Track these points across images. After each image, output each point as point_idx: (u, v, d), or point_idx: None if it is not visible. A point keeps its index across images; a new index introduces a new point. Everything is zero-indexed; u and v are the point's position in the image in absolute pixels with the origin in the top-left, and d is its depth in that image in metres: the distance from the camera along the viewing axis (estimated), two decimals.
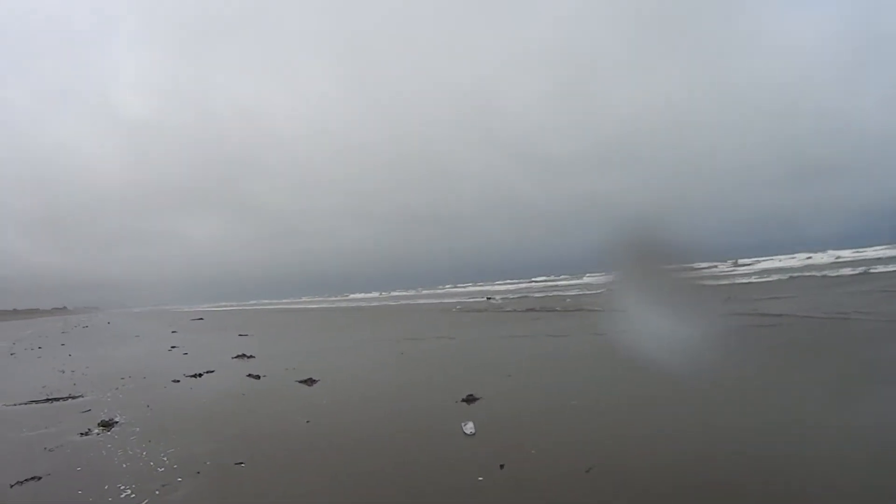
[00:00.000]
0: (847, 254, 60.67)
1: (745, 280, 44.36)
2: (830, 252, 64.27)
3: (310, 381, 13.59)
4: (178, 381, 15.22)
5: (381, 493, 6.75)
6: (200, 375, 15.94)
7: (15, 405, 13.24)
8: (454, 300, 60.10)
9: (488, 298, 54.82)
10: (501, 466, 7.13)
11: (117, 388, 14.58)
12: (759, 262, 66.82)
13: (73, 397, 13.75)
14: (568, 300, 40.63)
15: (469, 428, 8.78)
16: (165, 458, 8.31)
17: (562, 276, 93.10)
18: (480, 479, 6.85)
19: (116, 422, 10.72)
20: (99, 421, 10.67)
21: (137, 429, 10.19)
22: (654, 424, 8.66)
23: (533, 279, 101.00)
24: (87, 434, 10.03)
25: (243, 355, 19.74)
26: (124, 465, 8.17)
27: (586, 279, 79.94)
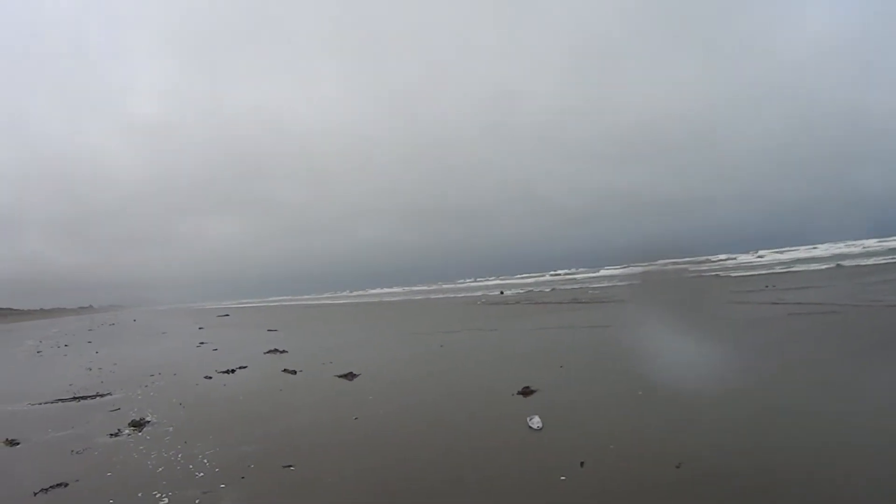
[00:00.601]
0: (870, 243, 59.41)
1: (776, 270, 43.25)
2: (852, 243, 63.01)
3: (350, 376, 12.77)
4: (210, 377, 14.45)
5: (460, 500, 5.90)
6: (233, 371, 15.16)
7: (41, 404, 12.54)
8: (477, 294, 59.33)
9: (501, 292, 54.43)
10: (581, 464, 6.34)
11: (146, 386, 13.85)
12: (783, 251, 65.26)
13: (101, 395, 13.03)
14: (590, 292, 39.77)
15: (536, 423, 7.95)
16: (205, 461, 7.52)
17: (580, 270, 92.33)
18: (563, 478, 6.04)
19: (148, 421, 9.96)
20: (129, 421, 9.91)
21: (171, 428, 9.41)
22: (732, 414, 7.78)
23: (553, 272, 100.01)
24: (116, 435, 9.27)
25: (276, 350, 18.99)
26: (159, 470, 7.37)
27: (603, 272, 79.23)
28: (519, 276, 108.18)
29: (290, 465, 7.07)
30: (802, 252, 61.89)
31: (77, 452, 8.41)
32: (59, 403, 12.49)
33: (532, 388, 9.92)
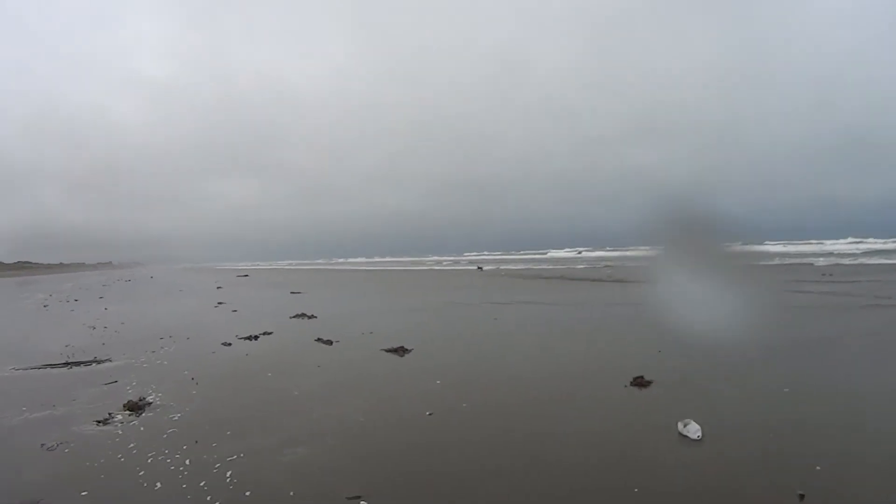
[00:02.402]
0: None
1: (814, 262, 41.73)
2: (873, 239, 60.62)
3: (400, 351, 10.39)
4: (230, 343, 12.09)
5: None
6: (256, 338, 12.77)
7: (26, 370, 10.26)
8: (503, 266, 57.42)
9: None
10: (801, 496, 4.40)
11: (154, 352, 11.51)
12: (807, 244, 62.41)
13: (99, 362, 10.71)
14: (621, 269, 38.01)
15: (693, 431, 5.73)
16: (226, 475, 5.14)
17: (603, 248, 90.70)
18: None
19: (149, 402, 7.58)
20: (125, 401, 7.51)
21: (177, 416, 7.01)
22: None
23: (572, 249, 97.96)
24: (105, 422, 6.89)
25: (303, 315, 16.63)
26: (157, 486, 4.97)
27: (607, 252, 77.42)
28: (538, 251, 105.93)
29: (358, 497, 4.62)
30: (815, 246, 59.18)
31: (48, 449, 6.04)
32: (48, 370, 10.20)
33: (647, 379, 7.80)
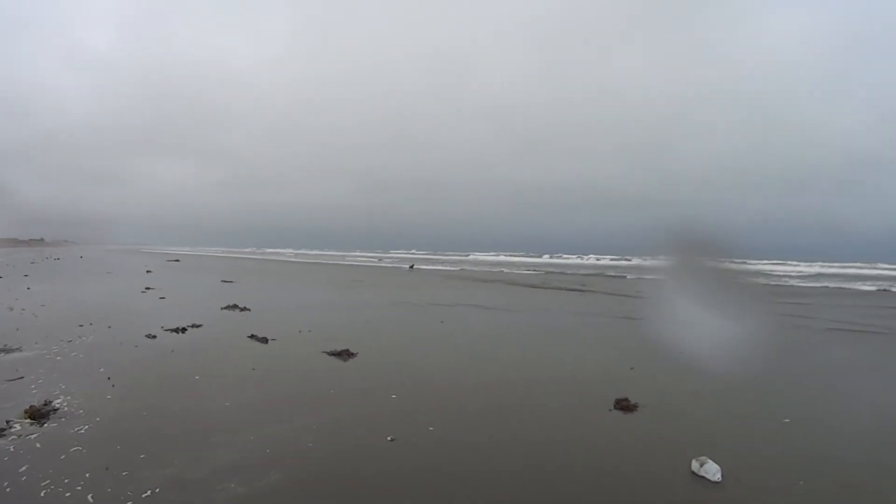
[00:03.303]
0: (808, 268, 58.44)
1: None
2: (796, 263, 61.80)
3: (345, 355, 9.20)
4: (155, 336, 10.70)
5: None
6: (184, 330, 11.39)
7: None
8: (437, 266, 56.59)
9: (411, 267, 51.18)
10: None
11: (70, 341, 10.08)
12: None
13: (6, 351, 9.23)
14: (572, 277, 37.47)
15: (712, 472, 4.80)
16: None
17: (533, 254, 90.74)
18: None
19: (55, 409, 6.25)
20: (27, 406, 6.16)
21: (85, 428, 5.72)
22: None
23: (510, 253, 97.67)
24: (1, 433, 5.54)
25: (235, 306, 15.25)
26: None
27: (542, 259, 77.54)
28: (474, 253, 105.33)
29: None
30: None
31: None
32: None
33: (632, 402, 6.84)
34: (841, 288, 29.53)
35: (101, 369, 8.05)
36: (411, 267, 50.31)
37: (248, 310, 14.75)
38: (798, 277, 39.28)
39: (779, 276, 39.66)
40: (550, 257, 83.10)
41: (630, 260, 71.82)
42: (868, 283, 33.87)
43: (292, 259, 75.72)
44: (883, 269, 49.27)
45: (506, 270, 45.77)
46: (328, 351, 9.37)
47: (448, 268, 50.11)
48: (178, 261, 54.91)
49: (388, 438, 5.50)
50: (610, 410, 6.62)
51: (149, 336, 10.64)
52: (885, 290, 28.63)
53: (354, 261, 69.62)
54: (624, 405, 6.71)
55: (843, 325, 14.75)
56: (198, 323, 12.11)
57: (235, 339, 10.54)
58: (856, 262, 58.14)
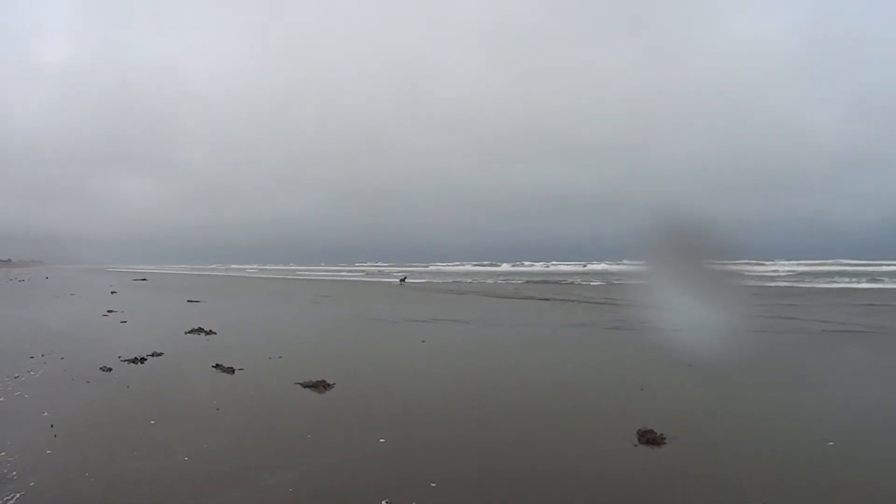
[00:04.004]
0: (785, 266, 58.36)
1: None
2: (775, 261, 61.73)
3: (321, 386, 8.05)
4: (110, 369, 9.44)
5: None
6: (143, 360, 10.16)
7: None
8: (409, 279, 55.34)
9: (402, 280, 48.02)
10: None
11: (17, 377, 8.78)
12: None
13: None
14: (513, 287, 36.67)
15: None
16: None
17: (498, 263, 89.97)
18: None
19: None
20: None
21: (14, 497, 4.54)
22: None
23: (476, 263, 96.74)
24: None
25: (200, 329, 13.95)
26: None
27: (504, 267, 76.79)
28: (440, 263, 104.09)
29: None
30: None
31: None
32: None
33: (658, 433, 5.79)
34: (828, 288, 29.06)
35: (45, 413, 6.83)
36: (402, 280, 47.08)
37: (214, 333, 13.51)
38: (785, 277, 38.93)
39: (765, 276, 39.33)
40: (512, 265, 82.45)
41: (585, 266, 71.77)
42: (851, 279, 33.66)
43: (258, 275, 73.76)
44: (865, 266, 48.99)
45: (489, 281, 44.89)
46: (302, 382, 8.17)
47: (437, 280, 48.97)
48: (145, 279, 52.96)
49: (384, 503, 4.43)
50: (636, 445, 5.61)
51: (104, 369, 9.39)
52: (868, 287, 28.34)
53: (321, 275, 68.16)
54: (650, 438, 5.71)
55: (845, 326, 14.35)
56: (159, 351, 10.86)
57: (199, 370, 9.35)
58: (838, 259, 58.26)
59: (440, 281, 46.42)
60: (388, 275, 62.47)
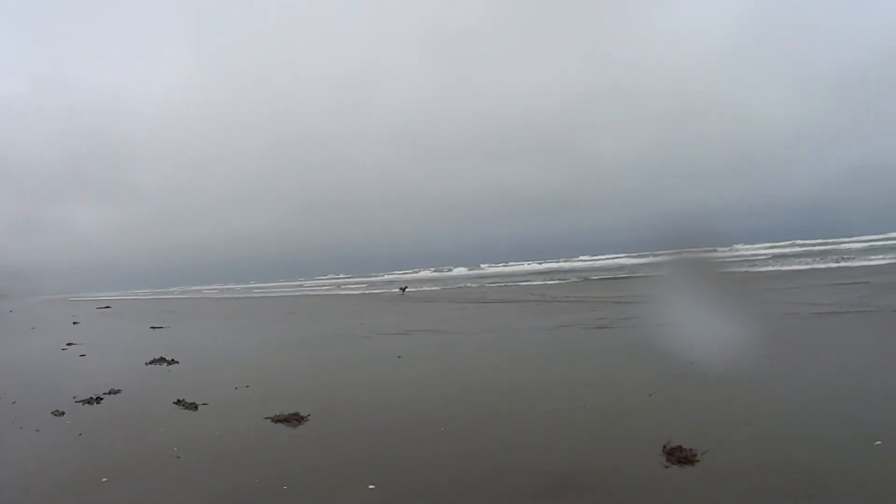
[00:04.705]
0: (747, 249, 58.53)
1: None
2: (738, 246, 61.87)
3: (294, 420, 7.06)
4: (63, 412, 8.36)
5: None
6: (99, 400, 9.08)
7: None
8: (376, 289, 54.34)
9: (401, 289, 43.34)
10: None
11: None
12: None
13: None
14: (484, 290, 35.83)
15: None
16: None
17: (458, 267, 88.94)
18: None
19: None
20: None
21: None
22: None
23: (436, 268, 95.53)
24: None
25: (162, 359, 12.83)
26: None
27: (483, 269, 76.06)
28: (398, 271, 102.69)
29: None
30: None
31: None
32: None
33: (687, 448, 4.95)
34: (798, 270, 28.65)
35: None
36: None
37: (176, 362, 12.41)
38: (762, 261, 38.60)
39: (740, 261, 38.99)
40: (469, 269, 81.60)
41: (541, 264, 71.36)
42: (816, 259, 33.41)
43: (219, 296, 71.61)
44: (824, 245, 48.72)
45: (459, 286, 43.96)
46: (272, 416, 7.18)
47: (429, 288, 47.74)
48: (108, 307, 50.93)
49: None
50: (667, 468, 4.79)
51: (56, 413, 8.29)
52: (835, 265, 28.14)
53: (283, 291, 66.57)
54: (681, 457, 4.87)
55: (833, 307, 13.74)
56: (116, 388, 9.75)
57: (159, 407, 8.31)
58: (794, 239, 58.25)
59: (428, 289, 45.30)
60: (348, 286, 61.37)
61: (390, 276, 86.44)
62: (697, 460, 4.82)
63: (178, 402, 8.42)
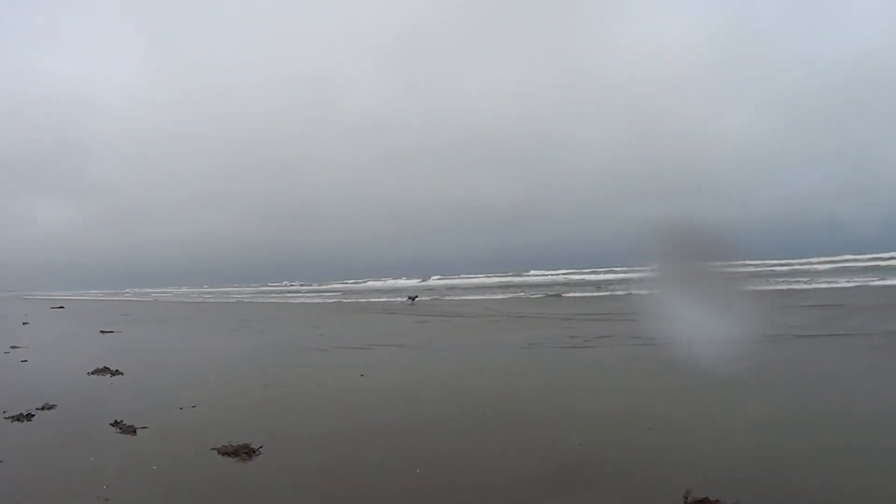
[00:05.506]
0: None
1: None
2: None
3: (244, 454, 6.01)
4: None
5: None
6: (30, 417, 7.94)
7: None
8: (326, 299, 53.03)
9: (410, 299, 38.72)
10: None
11: None
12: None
13: None
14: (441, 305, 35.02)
15: None
16: None
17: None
18: None
19: None
20: None
21: None
22: None
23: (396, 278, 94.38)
24: None
25: (105, 369, 11.63)
26: None
27: (431, 281, 75.22)
28: (350, 280, 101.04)
29: None
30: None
31: None
32: None
33: (713, 500, 4.13)
34: (767, 290, 28.23)
35: None
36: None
37: (121, 374, 11.21)
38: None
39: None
40: (422, 280, 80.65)
41: (490, 277, 70.70)
42: (784, 279, 33.21)
43: (174, 300, 68.97)
44: (785, 265, 48.64)
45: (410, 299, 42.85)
46: (220, 448, 6.13)
47: (386, 299, 46.50)
48: (62, 307, 48.56)
49: None
50: None
51: None
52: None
53: (239, 297, 64.62)
54: None
55: (814, 330, 13.27)
56: (51, 403, 8.61)
57: (93, 430, 7.18)
58: (754, 259, 58.21)
59: (386, 300, 44.13)
60: (300, 294, 59.91)
61: (339, 285, 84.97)
62: None
63: (116, 424, 7.33)
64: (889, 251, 43.61)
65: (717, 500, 4.11)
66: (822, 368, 9.28)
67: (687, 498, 4.16)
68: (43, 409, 8.36)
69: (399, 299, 40.23)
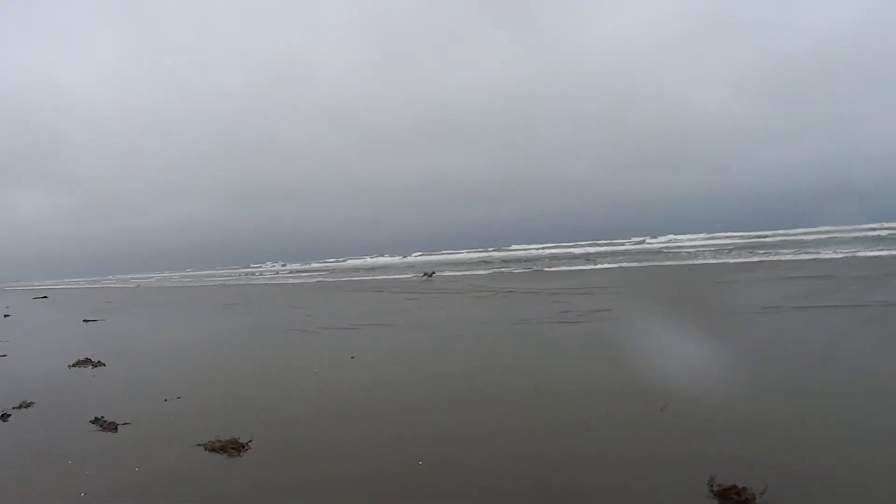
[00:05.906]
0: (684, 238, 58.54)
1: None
2: (671, 236, 61.96)
3: (232, 449, 5.55)
4: None
5: None
6: (6, 417, 7.38)
7: None
8: (307, 278, 52.36)
9: (426, 275, 36.17)
10: None
11: None
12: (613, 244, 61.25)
13: None
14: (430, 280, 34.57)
15: None
16: None
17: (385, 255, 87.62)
18: None
19: None
20: None
21: None
22: None
23: (374, 255, 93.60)
24: None
25: (87, 360, 11.05)
26: None
27: (412, 258, 74.74)
28: (331, 259, 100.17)
29: None
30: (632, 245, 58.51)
31: None
32: None
33: (741, 487, 3.73)
34: (742, 262, 27.99)
35: None
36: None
37: (103, 365, 10.66)
38: (696, 253, 38.15)
39: (681, 253, 38.63)
40: (403, 257, 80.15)
41: (471, 252, 70.43)
42: (754, 252, 33.15)
43: (157, 285, 67.68)
44: (758, 238, 48.65)
45: (401, 277, 42.34)
46: (206, 443, 5.68)
47: (372, 278, 45.81)
48: (45, 297, 47.43)
49: None
50: None
51: None
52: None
53: (222, 280, 63.59)
54: (739, 501, 3.65)
55: (812, 302, 12.62)
56: (29, 400, 8.08)
57: (73, 428, 6.68)
58: (730, 231, 58.53)
59: (371, 278, 43.57)
60: (284, 274, 59.21)
61: (320, 264, 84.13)
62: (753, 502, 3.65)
63: (96, 421, 6.84)
64: (873, 223, 43.99)
65: (745, 488, 3.74)
66: (831, 341, 8.81)
67: (712, 485, 3.79)
68: (20, 407, 7.85)
69: (397, 276, 39.75)
